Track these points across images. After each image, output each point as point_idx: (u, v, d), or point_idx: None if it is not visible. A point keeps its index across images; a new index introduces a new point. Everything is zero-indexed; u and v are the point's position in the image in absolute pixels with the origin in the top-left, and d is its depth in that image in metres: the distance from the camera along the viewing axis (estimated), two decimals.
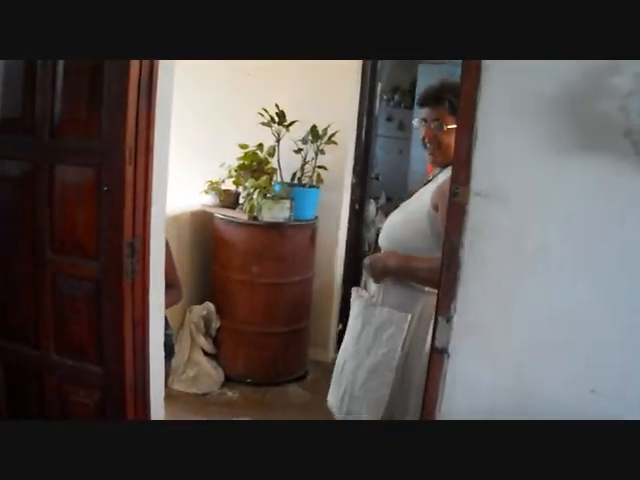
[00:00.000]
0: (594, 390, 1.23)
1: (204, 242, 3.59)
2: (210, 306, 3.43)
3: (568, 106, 1.17)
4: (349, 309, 2.06)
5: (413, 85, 5.89)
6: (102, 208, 1.63)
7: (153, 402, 1.81)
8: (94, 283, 1.69)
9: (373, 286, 1.94)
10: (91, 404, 1.77)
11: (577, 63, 1.12)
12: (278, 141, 3.27)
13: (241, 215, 3.28)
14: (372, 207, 4.38)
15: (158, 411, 1.87)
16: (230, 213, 3.34)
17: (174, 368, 3.21)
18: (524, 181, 1.23)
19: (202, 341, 3.42)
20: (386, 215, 2.10)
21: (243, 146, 3.36)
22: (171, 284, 2.22)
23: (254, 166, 3.33)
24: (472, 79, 1.17)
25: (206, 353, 3.45)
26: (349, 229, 3.74)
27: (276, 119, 3.20)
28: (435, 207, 1.73)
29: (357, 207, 3.74)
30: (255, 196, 3.18)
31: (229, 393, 3.33)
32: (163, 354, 1.88)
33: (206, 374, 3.36)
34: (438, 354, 1.31)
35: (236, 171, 3.36)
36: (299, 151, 3.34)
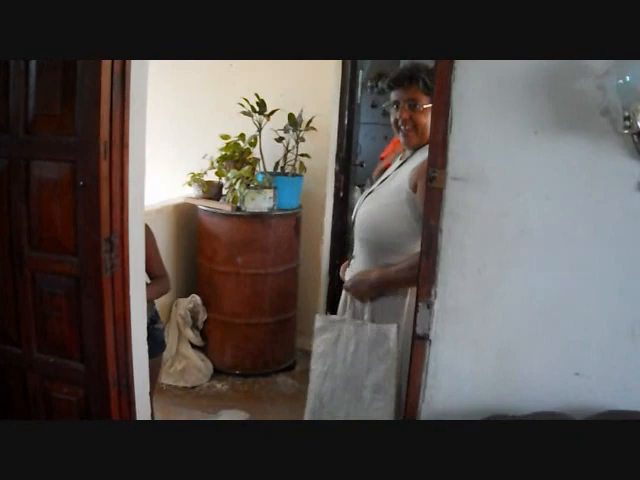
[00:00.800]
0: (578, 373, 1.23)
1: (188, 234, 3.57)
2: (197, 298, 3.42)
3: (545, 86, 1.16)
4: (336, 298, 2.02)
5: None
6: (79, 204, 1.61)
7: (138, 397, 1.79)
8: (74, 279, 1.67)
9: (357, 304, 1.90)
10: (74, 401, 1.75)
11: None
12: (259, 130, 3.25)
13: (224, 206, 3.25)
14: (357, 195, 4.37)
15: (144, 407, 1.86)
16: (214, 205, 3.31)
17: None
18: (502, 163, 1.22)
19: (189, 334, 3.41)
20: None
21: (225, 137, 3.33)
22: (158, 274, 2.19)
23: (236, 156, 3.30)
24: (446, 61, 1.16)
25: (194, 346, 3.44)
26: (334, 217, 3.72)
27: (257, 108, 3.17)
28: (414, 187, 1.72)
29: (342, 195, 3.73)
30: (237, 187, 3.16)
31: (218, 385, 3.33)
32: (147, 349, 1.86)
33: (194, 367, 3.35)
34: (420, 340, 1.31)
35: (218, 162, 3.34)
36: (280, 140, 3.32)
